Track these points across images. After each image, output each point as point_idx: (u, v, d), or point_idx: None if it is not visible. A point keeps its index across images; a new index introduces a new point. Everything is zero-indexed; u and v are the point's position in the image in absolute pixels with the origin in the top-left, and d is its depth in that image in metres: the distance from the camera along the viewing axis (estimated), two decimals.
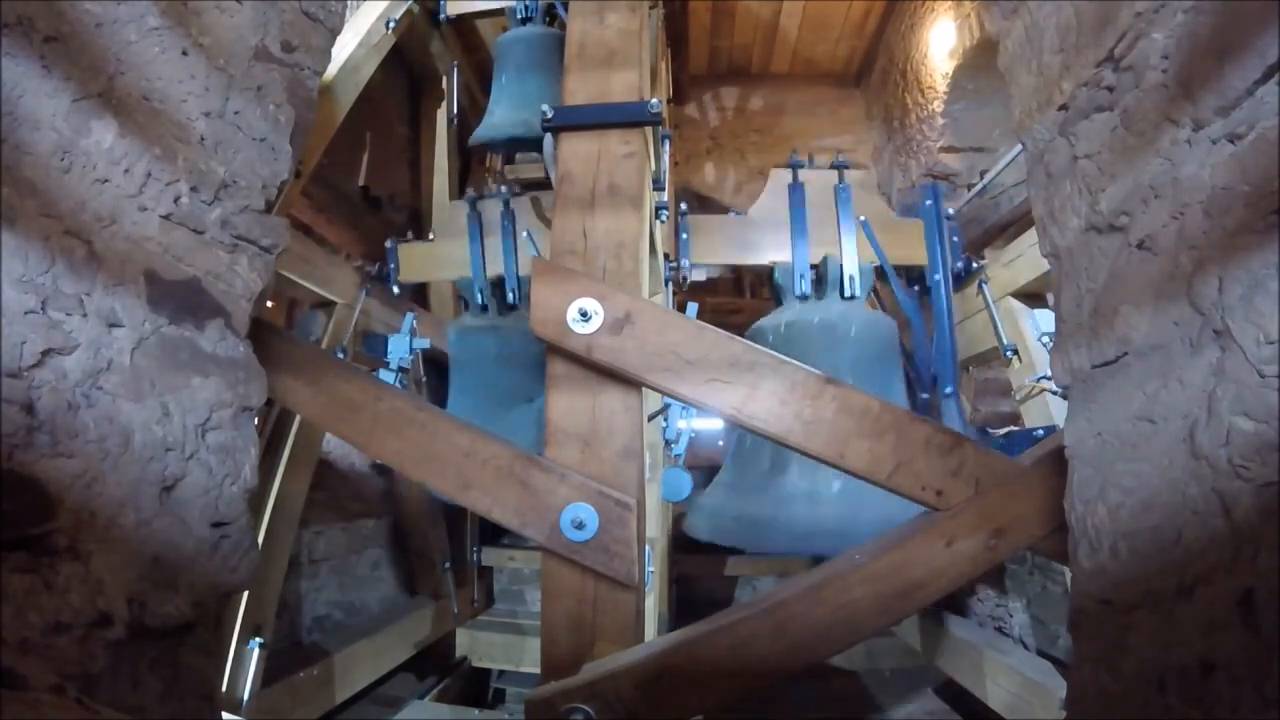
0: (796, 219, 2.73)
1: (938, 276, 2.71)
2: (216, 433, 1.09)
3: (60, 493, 0.83)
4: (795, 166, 2.80)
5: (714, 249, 2.83)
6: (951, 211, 2.80)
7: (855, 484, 2.51)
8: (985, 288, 2.58)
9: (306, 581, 2.70)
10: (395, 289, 2.74)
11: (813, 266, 2.71)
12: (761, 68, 5.11)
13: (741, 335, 1.32)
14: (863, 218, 2.71)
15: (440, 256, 2.79)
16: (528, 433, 2.29)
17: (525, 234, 2.55)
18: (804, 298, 2.69)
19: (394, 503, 3.29)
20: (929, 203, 2.75)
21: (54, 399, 0.84)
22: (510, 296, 2.63)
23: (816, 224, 2.73)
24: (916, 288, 2.83)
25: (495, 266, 2.66)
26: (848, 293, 2.65)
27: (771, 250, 2.77)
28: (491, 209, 2.65)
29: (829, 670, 3.41)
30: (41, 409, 0.82)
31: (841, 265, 2.64)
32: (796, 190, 2.77)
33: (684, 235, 2.76)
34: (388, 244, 2.75)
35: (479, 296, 2.62)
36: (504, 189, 2.58)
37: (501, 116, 2.44)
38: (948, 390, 2.59)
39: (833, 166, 2.81)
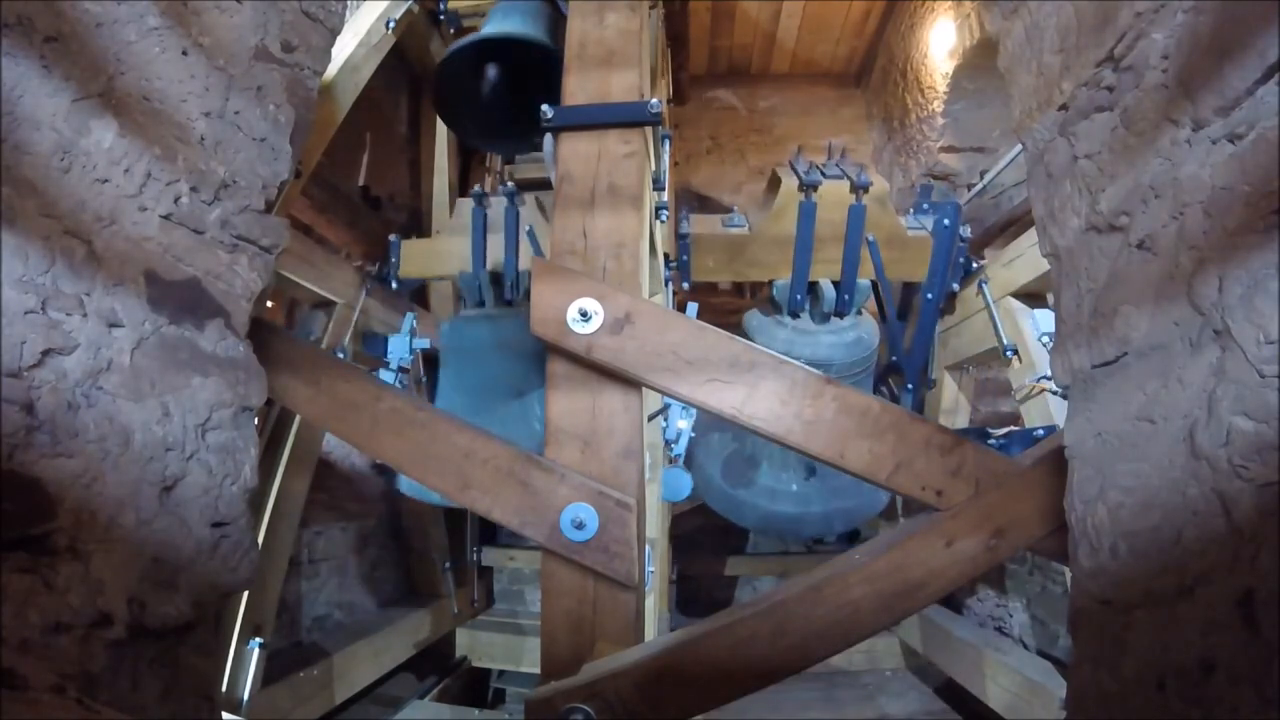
0: (802, 240, 2.63)
1: (930, 296, 2.71)
2: (216, 433, 1.09)
3: (60, 493, 0.83)
4: (809, 185, 2.60)
5: (716, 266, 2.81)
6: (968, 233, 2.72)
7: (808, 486, 2.74)
8: (985, 288, 2.58)
9: (306, 581, 2.70)
10: (395, 284, 2.73)
11: (811, 283, 2.70)
12: (761, 68, 5.11)
13: (740, 333, 1.32)
14: (871, 236, 2.62)
15: (441, 253, 2.79)
16: (518, 426, 2.28)
17: (529, 228, 2.56)
18: (797, 314, 2.71)
19: (394, 503, 3.29)
20: (946, 223, 2.65)
21: (54, 399, 0.84)
22: (509, 291, 2.63)
23: (822, 240, 2.66)
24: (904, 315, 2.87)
25: (496, 265, 2.66)
26: (841, 310, 2.67)
27: (773, 268, 2.74)
28: (496, 207, 2.65)
29: (829, 670, 3.40)
30: (41, 409, 0.82)
31: (837, 290, 2.65)
32: (807, 210, 2.61)
33: (685, 257, 2.73)
34: (391, 238, 2.75)
35: (478, 291, 2.62)
36: (509, 185, 2.58)
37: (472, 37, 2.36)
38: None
39: (853, 187, 2.60)
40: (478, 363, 2.55)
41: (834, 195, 2.64)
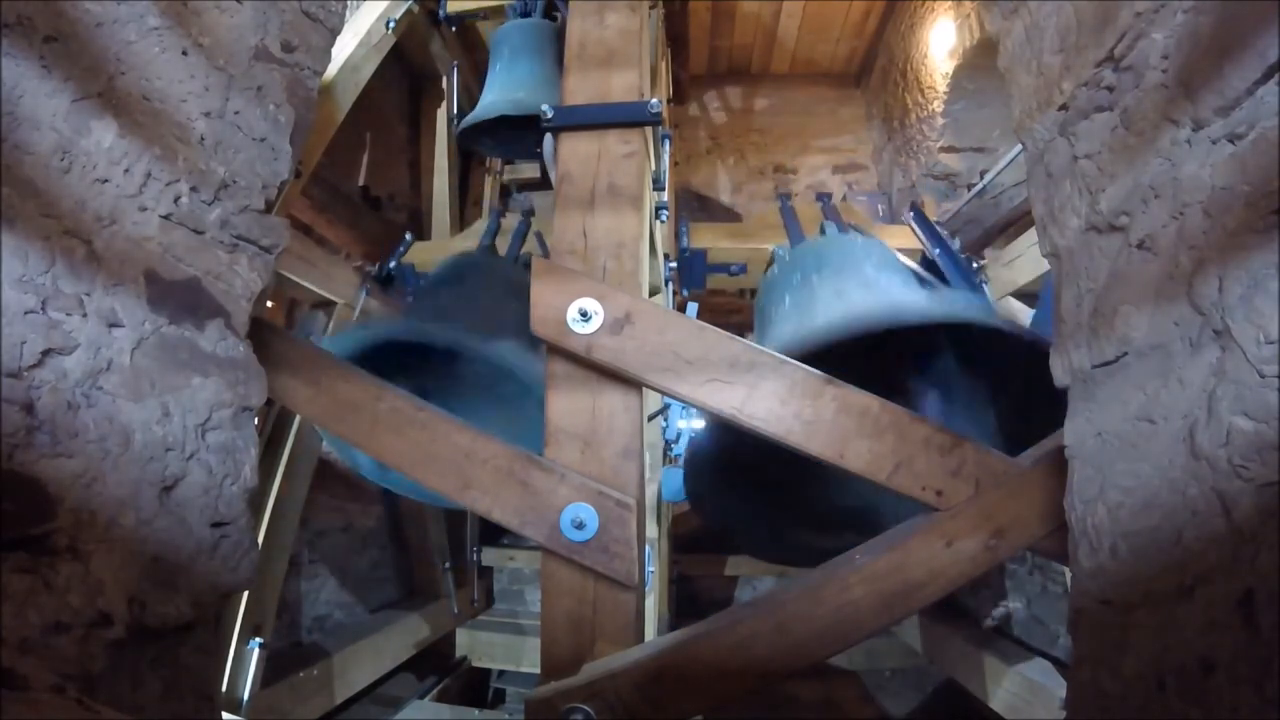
0: (790, 224, 2.81)
1: (939, 250, 2.75)
2: (216, 433, 1.09)
3: (60, 493, 0.83)
4: (782, 196, 3.07)
5: (714, 236, 3.03)
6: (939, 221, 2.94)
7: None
8: (985, 288, 2.58)
9: (306, 581, 2.70)
10: (394, 266, 2.74)
11: None
12: (761, 68, 5.12)
13: (742, 333, 1.32)
14: (851, 223, 2.80)
15: (450, 253, 2.81)
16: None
17: (538, 231, 2.59)
18: None
19: (394, 503, 3.29)
20: (910, 212, 2.94)
21: (54, 399, 0.84)
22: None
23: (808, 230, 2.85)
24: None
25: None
26: None
27: (768, 238, 2.91)
28: (510, 220, 2.73)
29: (829, 670, 3.41)
30: (41, 409, 0.82)
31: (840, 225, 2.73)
32: (786, 207, 2.95)
33: (684, 226, 2.89)
34: (407, 235, 2.79)
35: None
36: (524, 197, 2.67)
37: (492, 99, 2.40)
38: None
39: (818, 198, 3.02)
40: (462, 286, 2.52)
41: (806, 212, 2.97)
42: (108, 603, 0.87)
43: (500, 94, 2.35)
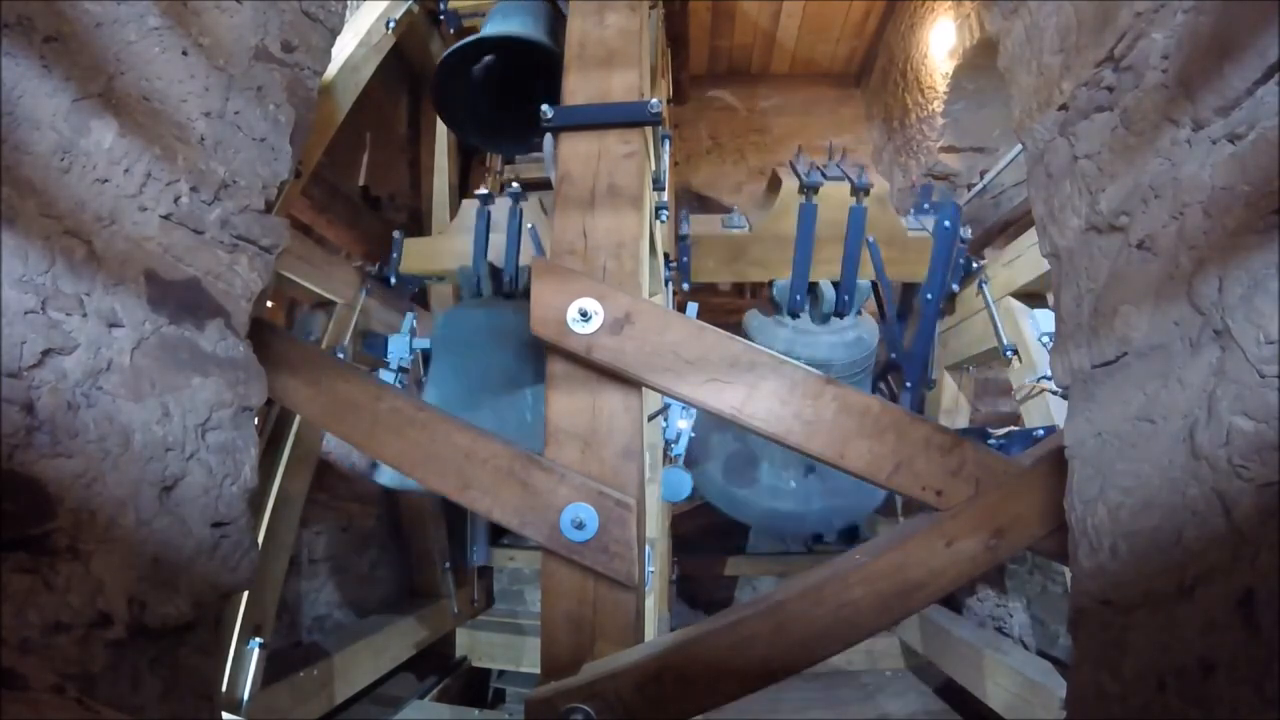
0: (803, 241, 2.63)
1: (930, 297, 2.69)
2: (216, 433, 1.09)
3: (60, 493, 0.83)
4: (810, 187, 2.60)
5: (716, 267, 2.80)
6: (968, 234, 2.70)
7: (807, 482, 2.74)
8: (985, 288, 2.58)
9: (306, 581, 2.70)
10: (393, 279, 2.71)
11: (811, 283, 2.69)
12: (761, 68, 5.11)
13: (740, 333, 1.32)
14: (871, 237, 2.62)
15: (443, 250, 2.79)
16: (509, 415, 2.23)
17: (531, 226, 2.56)
18: (796, 314, 2.70)
19: (394, 503, 3.29)
20: (946, 224, 2.62)
21: (54, 399, 0.84)
22: (508, 285, 2.61)
23: (822, 240, 2.66)
24: (903, 315, 2.86)
25: (497, 261, 2.65)
26: (841, 311, 2.67)
27: (773, 268, 2.73)
28: (500, 207, 2.66)
29: (829, 670, 3.40)
30: (41, 409, 0.82)
31: (837, 290, 2.64)
32: (807, 212, 2.61)
33: (685, 259, 2.72)
34: (395, 234, 2.76)
35: (477, 282, 2.61)
36: (515, 186, 2.59)
37: (476, 37, 2.30)
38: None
39: (854, 189, 2.61)
40: (471, 351, 2.49)
41: (835, 196, 2.64)
42: (108, 603, 0.87)
43: (486, 33, 2.29)
